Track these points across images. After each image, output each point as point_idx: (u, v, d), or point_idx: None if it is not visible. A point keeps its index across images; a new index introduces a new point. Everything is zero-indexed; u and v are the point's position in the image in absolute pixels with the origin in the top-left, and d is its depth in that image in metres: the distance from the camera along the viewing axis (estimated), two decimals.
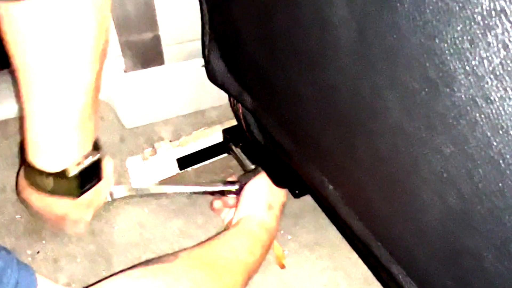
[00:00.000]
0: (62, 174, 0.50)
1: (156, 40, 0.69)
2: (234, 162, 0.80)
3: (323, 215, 0.74)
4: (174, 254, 0.54)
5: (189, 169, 0.79)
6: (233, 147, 0.78)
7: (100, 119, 0.73)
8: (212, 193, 0.71)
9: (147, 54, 0.71)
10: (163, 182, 0.77)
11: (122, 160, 0.75)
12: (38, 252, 0.67)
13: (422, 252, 0.43)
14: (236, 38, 0.58)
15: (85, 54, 0.45)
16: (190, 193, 0.70)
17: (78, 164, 0.50)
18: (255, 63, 0.56)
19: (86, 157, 0.51)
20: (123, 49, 0.69)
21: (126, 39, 0.67)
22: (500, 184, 0.30)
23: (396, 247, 0.47)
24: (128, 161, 0.75)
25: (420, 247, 0.42)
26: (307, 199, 0.75)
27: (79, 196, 0.54)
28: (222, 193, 0.70)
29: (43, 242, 0.68)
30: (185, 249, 0.57)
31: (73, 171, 0.50)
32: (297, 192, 0.72)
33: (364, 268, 0.69)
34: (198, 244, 0.60)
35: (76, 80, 0.46)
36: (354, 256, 0.70)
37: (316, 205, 0.75)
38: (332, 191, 0.52)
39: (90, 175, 0.53)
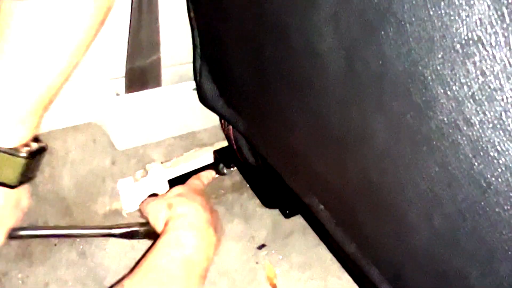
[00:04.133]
0: (10, 152, 0.47)
1: (157, 63, 0.70)
2: (225, 183, 0.81)
3: (314, 235, 0.75)
4: (119, 283, 0.53)
5: None
6: (224, 168, 0.79)
7: (92, 142, 0.74)
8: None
9: (146, 77, 0.72)
10: None
11: (114, 182, 0.75)
12: (28, 277, 0.66)
13: (411, 272, 0.44)
14: (226, 62, 0.59)
15: (72, 41, 0.44)
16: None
17: (26, 145, 0.48)
18: (246, 88, 0.57)
19: (32, 141, 0.49)
20: (126, 73, 0.69)
21: (132, 65, 0.68)
22: (482, 203, 0.31)
23: (386, 267, 0.47)
24: (119, 183, 0.75)
25: (409, 267, 0.43)
26: (298, 219, 0.76)
27: (18, 185, 0.50)
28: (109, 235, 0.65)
29: (34, 266, 0.67)
30: (124, 277, 0.55)
31: (22, 151, 0.48)
32: (287, 212, 0.73)
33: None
34: (136, 266, 0.57)
35: (52, 59, 0.45)
36: (345, 276, 0.71)
37: (307, 225, 0.76)
38: (323, 212, 0.53)
39: (32, 165, 0.50)
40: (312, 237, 0.75)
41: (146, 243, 0.72)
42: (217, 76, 0.64)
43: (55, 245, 0.70)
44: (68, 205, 0.71)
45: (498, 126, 0.28)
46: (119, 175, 0.76)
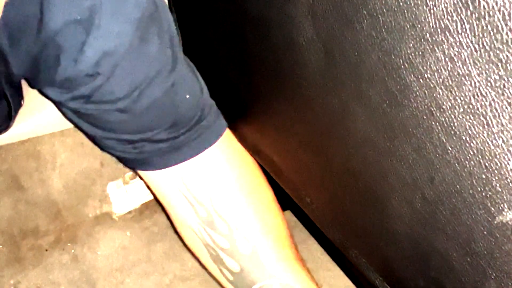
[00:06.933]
0: None
1: None
2: None
3: (304, 229, 0.76)
4: None
5: None
6: None
7: (80, 145, 0.74)
8: None
9: None
10: (145, 204, 0.77)
11: (103, 185, 0.76)
12: (20, 282, 0.67)
13: (395, 258, 0.44)
14: (209, 60, 0.60)
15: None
16: None
17: None
18: (229, 84, 0.58)
19: None
20: None
21: None
22: (458, 186, 0.32)
23: (372, 254, 0.48)
24: (109, 186, 0.76)
25: (394, 253, 0.44)
26: (288, 215, 0.77)
27: None
28: None
29: (26, 271, 0.68)
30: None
31: None
32: None
33: (346, 280, 0.70)
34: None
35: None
36: (336, 268, 0.72)
37: (297, 220, 0.77)
38: (309, 204, 0.54)
39: None
40: (302, 233, 0.76)
41: (138, 244, 0.73)
42: (200, 73, 0.65)
43: (46, 250, 0.70)
44: (58, 209, 0.72)
45: (468, 110, 0.29)
46: (109, 177, 0.77)
